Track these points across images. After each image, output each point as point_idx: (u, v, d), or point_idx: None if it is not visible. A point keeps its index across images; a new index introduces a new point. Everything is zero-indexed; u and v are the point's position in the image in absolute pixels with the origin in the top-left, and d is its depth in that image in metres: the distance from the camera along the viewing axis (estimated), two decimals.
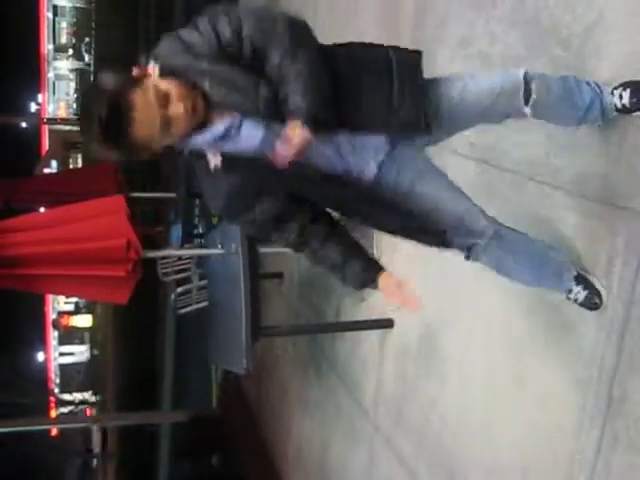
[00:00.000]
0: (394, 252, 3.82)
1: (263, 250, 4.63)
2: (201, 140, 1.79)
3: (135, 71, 1.71)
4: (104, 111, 1.58)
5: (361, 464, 4.46)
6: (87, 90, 1.74)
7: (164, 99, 1.66)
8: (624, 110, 2.16)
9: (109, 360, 21.67)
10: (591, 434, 2.41)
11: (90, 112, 1.62)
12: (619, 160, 2.30)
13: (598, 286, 2.33)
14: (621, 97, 2.14)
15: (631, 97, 2.13)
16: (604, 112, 2.18)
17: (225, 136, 1.79)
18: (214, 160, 1.83)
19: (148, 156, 1.75)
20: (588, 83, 2.16)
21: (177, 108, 1.66)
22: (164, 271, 5.92)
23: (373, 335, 4.09)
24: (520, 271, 2.31)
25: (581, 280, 2.35)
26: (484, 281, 2.95)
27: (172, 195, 8.24)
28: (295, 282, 5.71)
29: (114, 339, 20.45)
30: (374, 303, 4.09)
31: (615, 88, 2.17)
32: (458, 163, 3.15)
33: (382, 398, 4.13)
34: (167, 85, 1.68)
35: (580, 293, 2.34)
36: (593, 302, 2.33)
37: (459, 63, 3.26)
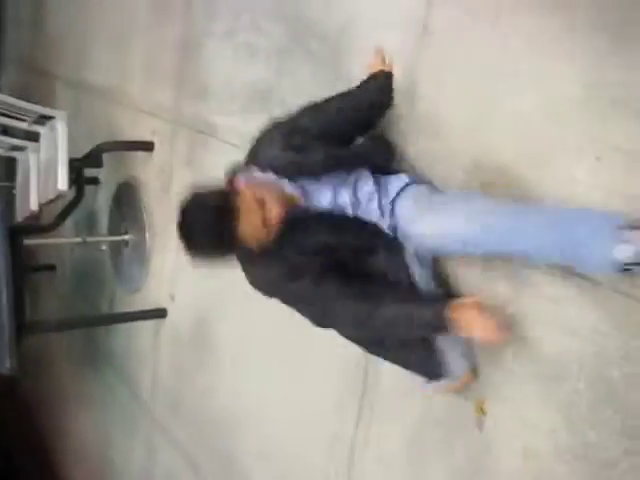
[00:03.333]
0: (166, 245, 3.79)
1: (33, 242, 4.38)
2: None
3: (227, 186, 1.91)
4: (210, 215, 1.82)
5: (141, 456, 4.39)
6: (187, 206, 1.86)
7: (261, 204, 1.84)
8: None
9: None
10: (351, 410, 2.56)
11: (194, 220, 1.84)
12: None
13: None
14: None
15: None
16: None
17: None
18: None
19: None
20: None
21: (272, 213, 1.85)
22: None
23: (148, 326, 4.02)
24: None
25: None
26: None
27: None
28: (68, 274, 5.45)
29: None
30: (148, 294, 4.03)
31: None
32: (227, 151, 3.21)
33: (159, 390, 4.08)
34: (261, 192, 1.86)
35: None
36: None
37: (227, 53, 3.28)
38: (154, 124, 3.89)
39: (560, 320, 1.81)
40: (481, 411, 2.08)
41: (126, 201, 4.25)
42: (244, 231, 1.83)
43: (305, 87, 2.75)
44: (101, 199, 4.63)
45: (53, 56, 5.68)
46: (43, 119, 3.89)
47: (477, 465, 2.08)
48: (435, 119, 2.15)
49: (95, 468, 5.28)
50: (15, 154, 4.26)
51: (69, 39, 5.37)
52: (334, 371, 2.65)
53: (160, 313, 3.80)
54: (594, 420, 1.75)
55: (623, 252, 1.57)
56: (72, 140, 3.77)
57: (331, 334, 2.11)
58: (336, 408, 2.65)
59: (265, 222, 1.86)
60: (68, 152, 3.68)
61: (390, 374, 2.37)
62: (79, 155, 3.95)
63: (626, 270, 1.58)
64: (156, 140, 3.88)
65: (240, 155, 3.11)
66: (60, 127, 3.69)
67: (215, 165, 3.34)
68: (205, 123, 3.42)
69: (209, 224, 1.82)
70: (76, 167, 3.83)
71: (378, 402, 2.45)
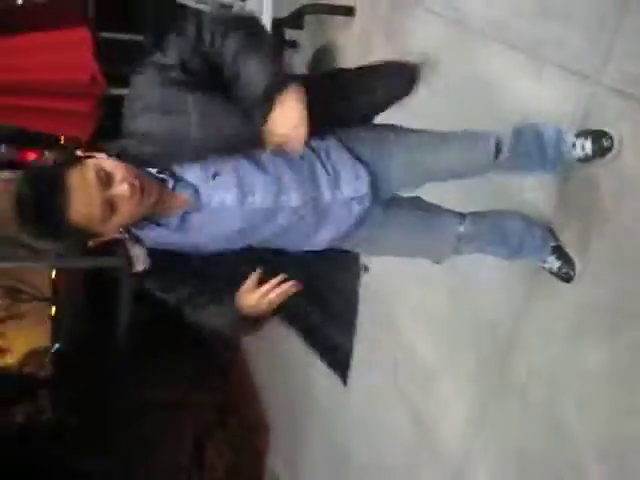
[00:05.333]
0: None
1: None
2: (154, 235, 1.67)
3: (80, 152, 1.53)
4: (32, 191, 1.40)
5: None
6: (23, 173, 1.47)
7: (106, 178, 1.47)
8: (587, 160, 2.13)
9: None
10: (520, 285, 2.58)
11: (20, 194, 1.41)
12: None
13: (573, 257, 2.32)
14: (583, 147, 2.11)
15: (593, 146, 2.10)
16: (564, 163, 2.18)
17: (181, 227, 1.68)
18: (143, 263, 1.68)
19: (98, 243, 1.58)
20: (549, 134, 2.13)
21: (121, 188, 1.47)
22: None
23: None
24: (498, 253, 2.32)
25: (556, 250, 2.35)
26: None
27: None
28: None
29: None
30: None
31: (577, 136, 2.14)
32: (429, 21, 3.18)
33: None
34: (112, 165, 1.50)
35: (554, 263, 2.35)
36: (566, 273, 2.33)
37: None
38: None
39: None
40: None
41: (321, 67, 4.33)
42: (75, 217, 1.43)
43: None
44: (297, 63, 4.75)
45: None
46: None
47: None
48: None
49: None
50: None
51: None
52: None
53: None
54: None
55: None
56: (279, 3, 3.86)
57: None
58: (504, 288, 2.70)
59: (110, 205, 1.48)
60: (272, 11, 3.80)
61: None
62: (282, 16, 4.06)
63: None
64: (358, 5, 3.88)
65: (441, 27, 3.10)
66: None
67: (415, 35, 3.32)
68: None
69: (28, 205, 1.40)
70: (278, 27, 3.95)
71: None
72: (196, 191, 1.65)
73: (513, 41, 2.63)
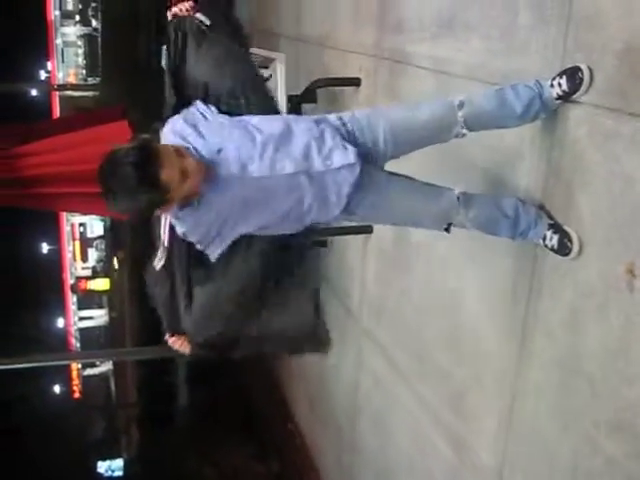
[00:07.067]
0: None
1: None
2: (190, 220, 2.14)
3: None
4: (135, 156, 1.87)
5: (351, 364, 4.92)
6: (106, 159, 1.94)
7: (181, 153, 1.98)
8: (564, 96, 2.39)
9: (126, 318, 22.23)
10: (522, 294, 2.84)
11: (121, 163, 1.88)
12: None
13: (569, 230, 2.49)
14: (560, 85, 2.37)
15: (568, 82, 2.35)
16: (546, 105, 2.42)
17: (201, 203, 2.12)
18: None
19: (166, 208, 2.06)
20: (527, 85, 2.40)
21: (189, 161, 1.98)
22: None
23: (357, 243, 4.54)
24: (498, 231, 2.55)
25: (553, 226, 2.53)
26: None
27: None
28: None
29: (130, 298, 21.07)
30: None
31: (553, 79, 2.40)
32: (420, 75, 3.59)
33: (366, 300, 4.58)
34: (176, 145, 2.03)
35: (553, 238, 2.51)
36: (565, 247, 2.49)
37: None
38: (360, 61, 4.36)
39: None
40: (631, 273, 2.24)
41: None
42: (166, 176, 1.90)
43: (484, 11, 3.05)
44: None
45: (275, 18, 6.49)
46: (267, 62, 4.51)
47: (630, 325, 2.28)
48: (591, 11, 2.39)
49: (314, 382, 5.91)
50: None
51: (286, 1, 6.13)
52: (508, 263, 2.94)
53: (367, 229, 4.27)
54: None
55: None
56: (294, 84, 4.31)
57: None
58: (509, 293, 2.95)
59: (183, 173, 1.95)
60: (287, 89, 4.27)
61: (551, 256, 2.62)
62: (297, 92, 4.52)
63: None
64: (362, 75, 4.34)
65: (431, 79, 3.50)
66: (279, 67, 4.29)
67: (412, 90, 3.73)
68: (402, 53, 3.83)
69: (131, 165, 1.86)
70: (294, 102, 4.42)
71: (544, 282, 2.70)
72: (208, 165, 2.08)
73: (487, 78, 3.00)
